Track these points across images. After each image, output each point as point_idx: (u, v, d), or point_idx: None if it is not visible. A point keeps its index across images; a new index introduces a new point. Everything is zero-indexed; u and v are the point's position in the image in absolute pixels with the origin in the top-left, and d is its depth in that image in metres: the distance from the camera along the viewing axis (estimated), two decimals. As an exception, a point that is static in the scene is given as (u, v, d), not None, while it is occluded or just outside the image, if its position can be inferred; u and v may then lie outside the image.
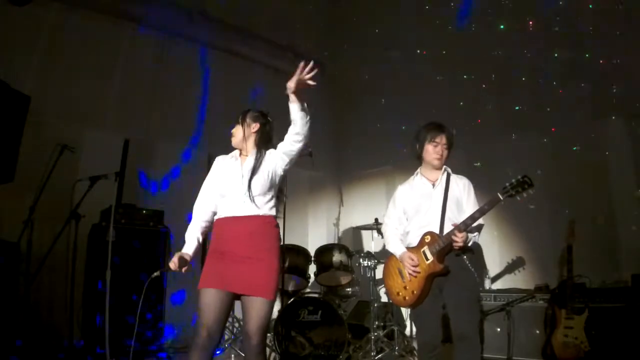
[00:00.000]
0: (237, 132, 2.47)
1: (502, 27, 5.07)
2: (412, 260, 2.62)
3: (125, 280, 3.91)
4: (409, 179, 2.88)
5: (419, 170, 2.85)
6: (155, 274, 2.35)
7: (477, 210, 2.54)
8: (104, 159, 4.50)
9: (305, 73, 2.21)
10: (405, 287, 2.68)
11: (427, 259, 2.60)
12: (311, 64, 2.22)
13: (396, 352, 4.12)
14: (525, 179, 2.47)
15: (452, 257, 2.60)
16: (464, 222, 2.54)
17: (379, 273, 4.71)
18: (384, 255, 5.33)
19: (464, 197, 2.72)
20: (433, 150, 2.73)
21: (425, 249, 2.62)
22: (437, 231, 2.63)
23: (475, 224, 2.56)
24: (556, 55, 4.62)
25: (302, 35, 6.59)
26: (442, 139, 2.72)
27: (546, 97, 4.68)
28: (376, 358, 4.03)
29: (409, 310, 4.89)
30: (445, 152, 2.73)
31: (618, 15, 4.19)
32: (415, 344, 4.41)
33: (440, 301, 2.64)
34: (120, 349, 3.65)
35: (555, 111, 4.60)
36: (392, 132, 6.04)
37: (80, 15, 4.60)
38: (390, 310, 4.83)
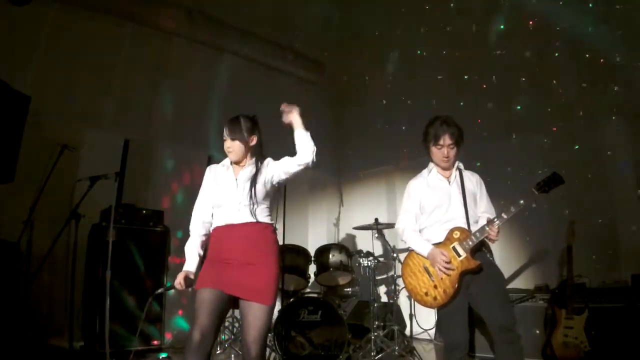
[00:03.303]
0: (236, 148, 2.38)
1: (502, 27, 5.07)
2: (445, 256, 2.51)
3: (125, 281, 3.92)
4: (422, 173, 2.81)
5: (432, 166, 2.77)
6: (159, 291, 2.37)
7: (514, 205, 2.48)
8: (104, 159, 4.51)
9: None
10: (435, 287, 2.55)
11: (459, 256, 2.52)
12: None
13: (396, 352, 4.12)
14: (556, 175, 2.51)
15: (478, 254, 2.56)
16: (500, 216, 2.50)
17: (379, 273, 4.73)
18: (384, 256, 5.41)
19: (477, 192, 2.71)
20: (439, 153, 2.66)
21: (456, 244, 2.53)
22: (464, 227, 2.56)
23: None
24: (556, 55, 4.62)
25: (302, 35, 6.59)
26: (445, 140, 2.62)
27: (546, 97, 4.68)
28: (376, 358, 4.03)
29: (410, 309, 4.96)
30: (453, 152, 2.65)
31: (618, 15, 4.20)
32: (415, 344, 4.43)
33: (466, 299, 2.55)
34: (120, 349, 3.66)
35: (556, 111, 4.61)
36: (392, 132, 6.04)
37: (80, 15, 4.60)
38: (390, 310, 4.83)
